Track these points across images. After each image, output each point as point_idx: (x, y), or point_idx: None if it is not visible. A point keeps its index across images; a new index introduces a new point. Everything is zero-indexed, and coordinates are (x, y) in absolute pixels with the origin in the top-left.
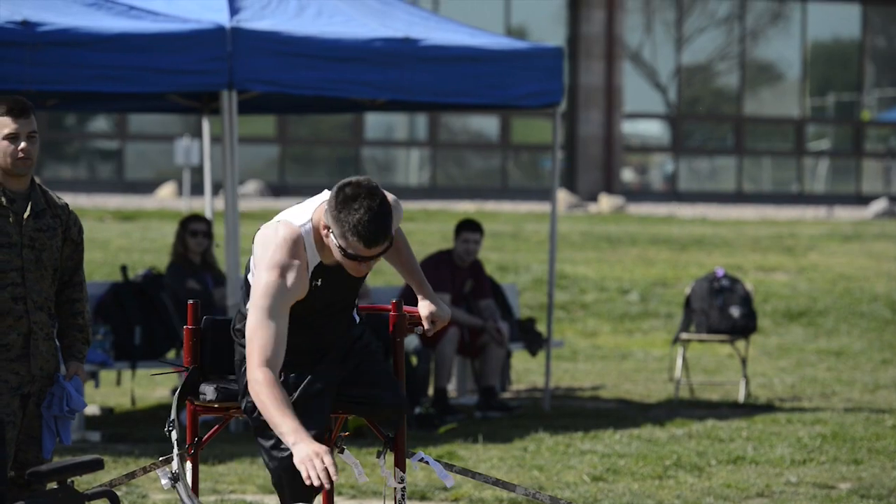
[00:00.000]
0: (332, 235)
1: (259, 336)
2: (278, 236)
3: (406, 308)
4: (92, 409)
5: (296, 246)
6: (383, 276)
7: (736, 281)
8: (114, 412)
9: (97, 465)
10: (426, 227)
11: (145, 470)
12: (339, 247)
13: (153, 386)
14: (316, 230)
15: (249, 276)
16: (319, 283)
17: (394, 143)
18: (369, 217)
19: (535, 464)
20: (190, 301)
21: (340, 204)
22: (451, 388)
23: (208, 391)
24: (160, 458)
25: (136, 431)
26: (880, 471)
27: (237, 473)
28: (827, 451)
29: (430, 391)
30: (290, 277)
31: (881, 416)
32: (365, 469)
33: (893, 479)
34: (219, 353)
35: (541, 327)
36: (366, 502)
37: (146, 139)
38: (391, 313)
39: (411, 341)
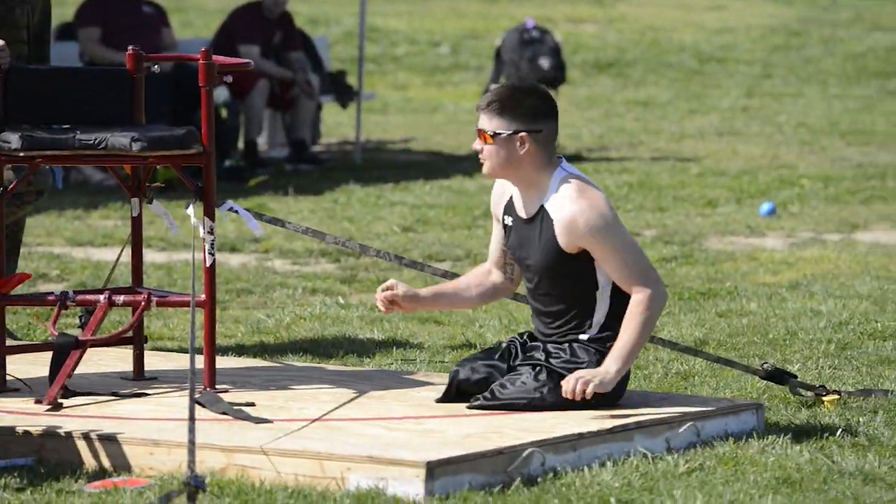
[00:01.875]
0: None
1: None
2: None
3: (216, 58)
4: None
5: None
6: (192, 29)
7: (546, 32)
8: None
9: None
10: None
11: None
12: None
13: None
14: None
15: None
16: None
17: None
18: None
19: (346, 215)
20: None
21: None
22: (262, 141)
23: (13, 139)
24: None
25: None
26: (684, 217)
27: (44, 226)
28: (633, 200)
29: (241, 144)
30: None
31: (686, 164)
32: (176, 221)
33: (697, 226)
34: (22, 102)
35: (351, 80)
36: (175, 254)
37: None
38: (200, 62)
39: (220, 93)
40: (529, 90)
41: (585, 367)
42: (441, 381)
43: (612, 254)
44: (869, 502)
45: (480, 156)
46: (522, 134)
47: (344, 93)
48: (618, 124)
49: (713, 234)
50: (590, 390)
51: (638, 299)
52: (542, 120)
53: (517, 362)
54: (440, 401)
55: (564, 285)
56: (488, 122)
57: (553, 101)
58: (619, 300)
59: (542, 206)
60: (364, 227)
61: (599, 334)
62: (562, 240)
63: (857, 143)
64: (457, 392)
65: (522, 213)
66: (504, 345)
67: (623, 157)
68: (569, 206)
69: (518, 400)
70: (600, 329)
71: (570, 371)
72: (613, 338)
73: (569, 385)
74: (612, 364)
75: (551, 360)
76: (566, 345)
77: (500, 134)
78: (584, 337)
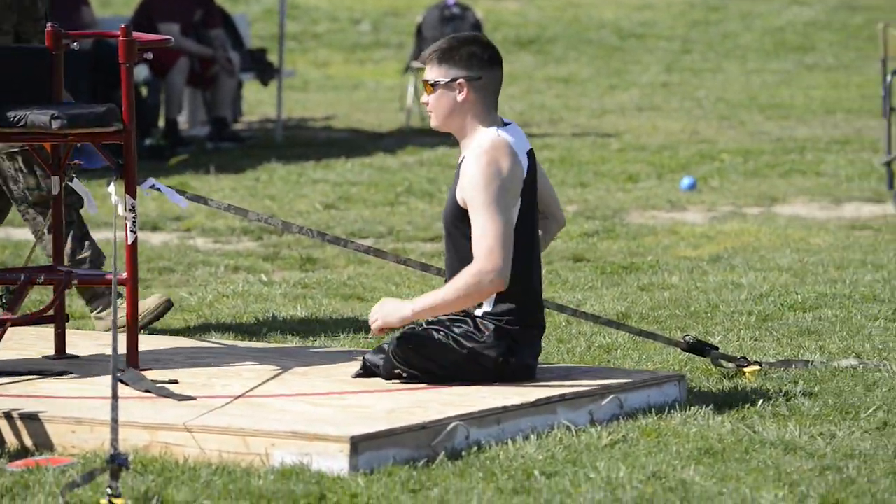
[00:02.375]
0: None
1: None
2: None
3: (136, 34)
4: None
5: None
6: (112, 7)
7: (466, 9)
8: None
9: None
10: None
11: None
12: None
13: None
14: None
15: None
16: None
17: None
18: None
19: (268, 193)
20: None
21: None
22: (182, 119)
23: None
24: None
25: None
26: (605, 193)
27: None
28: (555, 175)
29: (161, 123)
30: None
31: (607, 140)
32: (96, 201)
33: (617, 200)
34: None
35: (272, 58)
36: (96, 233)
37: None
38: (120, 39)
39: (141, 71)
40: (470, 39)
41: (485, 343)
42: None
43: (474, 215)
44: (790, 471)
45: (427, 109)
46: (461, 80)
47: (264, 70)
48: (539, 101)
49: (634, 208)
50: (374, 329)
51: (470, 269)
52: (480, 67)
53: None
54: (357, 375)
55: (461, 246)
56: (430, 72)
57: (495, 50)
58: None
59: (463, 157)
60: (286, 205)
61: (496, 308)
62: (458, 191)
63: (776, 118)
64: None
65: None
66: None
67: (544, 134)
68: (470, 159)
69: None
70: (495, 303)
71: (471, 343)
72: (513, 313)
73: (372, 316)
74: (409, 305)
75: (454, 330)
76: (468, 318)
77: (439, 82)
78: (478, 312)
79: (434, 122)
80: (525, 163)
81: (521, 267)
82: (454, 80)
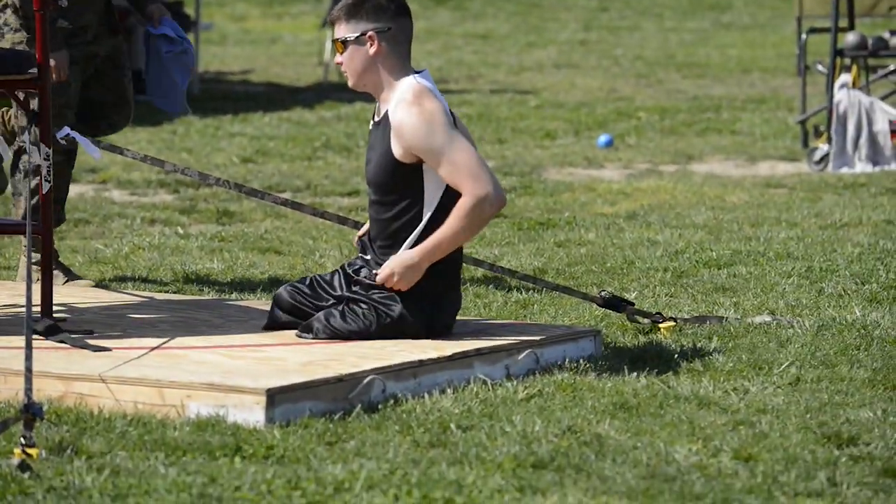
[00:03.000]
0: None
1: None
2: None
3: None
4: None
5: None
6: None
7: None
8: None
9: None
10: None
11: None
12: None
13: None
14: None
15: None
16: None
17: None
18: None
19: (185, 146)
20: None
21: None
22: None
23: None
24: None
25: None
26: (523, 149)
27: None
28: (473, 132)
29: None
30: None
31: (525, 97)
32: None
33: (535, 157)
34: None
35: (188, 10)
36: None
37: None
38: None
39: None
40: None
41: (406, 316)
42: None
43: (439, 157)
44: (703, 426)
45: (342, 69)
46: (370, 33)
47: (181, 23)
48: (456, 57)
49: (552, 165)
50: (396, 286)
51: (462, 202)
52: (388, 18)
53: (344, 293)
54: (266, 328)
55: (392, 196)
56: (339, 30)
57: (402, 1)
58: (438, 223)
59: (386, 112)
60: (203, 158)
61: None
62: (395, 147)
63: (692, 76)
64: (280, 319)
65: (374, 118)
66: (328, 276)
67: (462, 90)
68: (401, 112)
69: (347, 334)
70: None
71: (391, 302)
72: (436, 277)
73: (382, 276)
74: (415, 255)
75: (373, 295)
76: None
77: (349, 38)
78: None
79: (351, 82)
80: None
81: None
82: (363, 33)
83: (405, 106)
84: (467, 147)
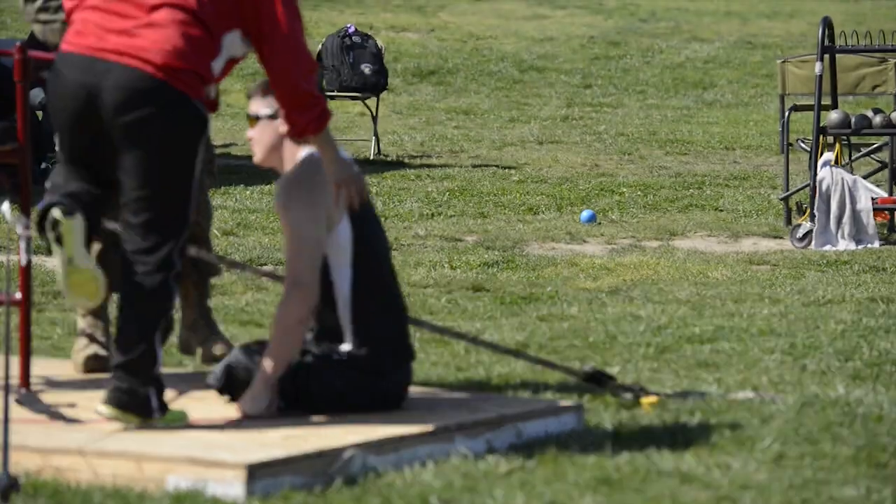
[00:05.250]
0: None
1: None
2: None
3: (32, 52)
4: None
5: None
6: (6, 31)
7: (367, 37)
8: None
9: None
10: None
11: None
12: None
13: None
14: None
15: None
16: None
17: None
18: None
19: None
20: None
21: None
22: None
23: None
24: None
25: None
26: (505, 223)
27: None
28: (455, 206)
29: (57, 147)
30: None
31: (507, 171)
32: None
33: (517, 231)
34: None
35: None
36: None
37: None
38: (15, 57)
39: (37, 95)
40: None
41: (350, 381)
42: None
43: (285, 235)
44: (686, 501)
45: (250, 144)
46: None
47: None
48: (440, 132)
49: (534, 239)
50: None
51: (279, 304)
52: None
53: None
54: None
55: None
56: (252, 106)
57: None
58: (364, 310)
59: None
60: None
61: (359, 351)
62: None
63: (676, 153)
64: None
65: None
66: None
67: (445, 164)
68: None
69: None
70: (356, 345)
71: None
72: (374, 354)
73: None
74: (258, 384)
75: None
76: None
77: (261, 115)
78: (344, 349)
79: (257, 157)
80: None
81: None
82: (276, 112)
83: (284, 177)
84: (308, 237)
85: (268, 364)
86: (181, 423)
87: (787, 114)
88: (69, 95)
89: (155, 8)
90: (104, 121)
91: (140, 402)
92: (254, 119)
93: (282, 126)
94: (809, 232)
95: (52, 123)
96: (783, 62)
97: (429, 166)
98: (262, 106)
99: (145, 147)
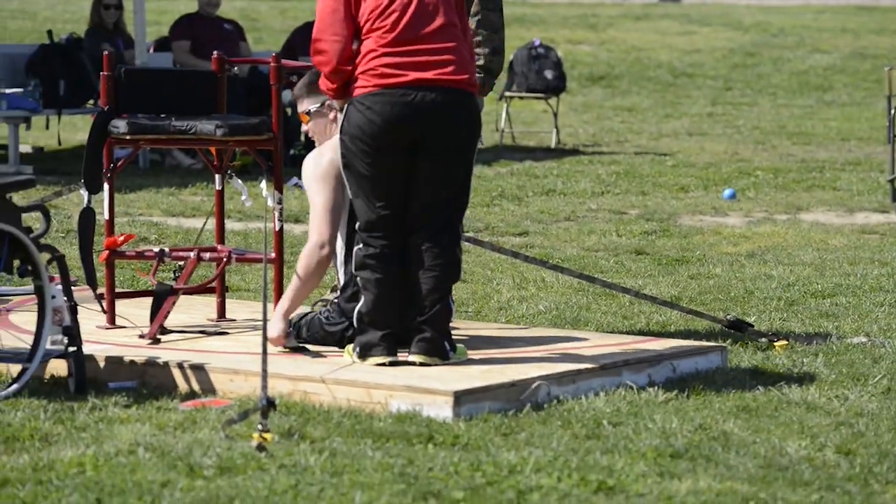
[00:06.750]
0: None
1: None
2: None
3: (283, 61)
4: (25, 148)
5: None
6: (263, 44)
7: (550, 49)
8: (43, 151)
9: (29, 184)
10: None
11: (70, 189)
12: None
13: (76, 130)
14: None
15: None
16: None
17: None
18: None
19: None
20: (105, 52)
21: None
22: None
23: (120, 125)
24: (81, 182)
25: (62, 166)
26: (662, 200)
27: (145, 200)
28: (621, 185)
29: (302, 137)
30: None
31: (663, 158)
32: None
33: (672, 207)
34: (130, 97)
35: None
36: (250, 223)
37: None
38: (271, 65)
39: (286, 95)
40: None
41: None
42: (476, 328)
43: (312, 203)
44: (811, 426)
45: (310, 135)
46: (328, 102)
47: None
48: (608, 126)
49: (685, 213)
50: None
51: (302, 255)
52: None
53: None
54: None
55: None
56: (302, 105)
57: None
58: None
59: None
60: None
61: (345, 295)
62: None
63: (801, 143)
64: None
65: None
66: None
67: (612, 152)
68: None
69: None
70: (345, 287)
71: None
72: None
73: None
74: (276, 315)
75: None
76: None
77: (312, 110)
78: (332, 296)
79: (318, 145)
80: None
81: None
82: (323, 104)
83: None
84: (327, 200)
85: (285, 301)
86: (465, 357)
87: (892, 111)
88: None
89: None
90: None
91: (441, 347)
92: (306, 115)
93: (331, 113)
94: None
95: None
96: (890, 70)
97: (599, 153)
98: (310, 103)
99: None
